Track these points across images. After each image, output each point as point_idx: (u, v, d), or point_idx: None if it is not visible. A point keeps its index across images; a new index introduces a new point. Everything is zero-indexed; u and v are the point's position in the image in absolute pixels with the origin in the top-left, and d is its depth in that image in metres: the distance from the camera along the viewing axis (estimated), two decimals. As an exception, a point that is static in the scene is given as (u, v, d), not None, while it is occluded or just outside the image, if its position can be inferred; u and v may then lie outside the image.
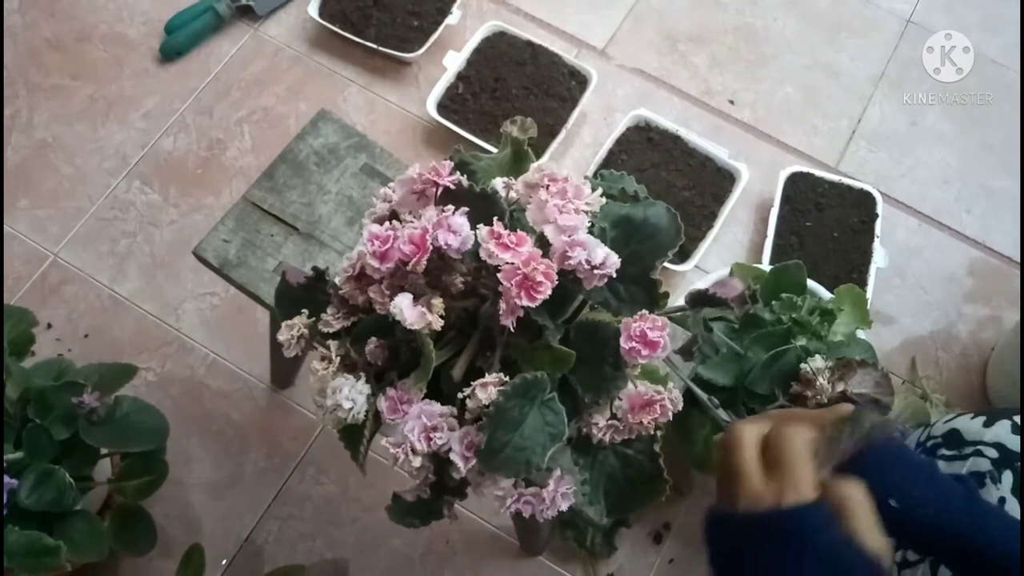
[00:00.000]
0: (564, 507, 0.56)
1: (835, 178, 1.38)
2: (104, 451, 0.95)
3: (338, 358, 0.57)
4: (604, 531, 1.13)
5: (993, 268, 1.39)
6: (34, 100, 1.39)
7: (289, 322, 0.61)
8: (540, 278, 0.50)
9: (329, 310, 0.59)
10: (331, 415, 0.56)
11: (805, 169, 1.38)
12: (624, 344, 0.52)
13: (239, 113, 1.41)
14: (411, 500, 0.60)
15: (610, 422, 0.56)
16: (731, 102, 1.50)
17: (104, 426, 0.91)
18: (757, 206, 1.39)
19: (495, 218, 0.54)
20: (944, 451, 0.71)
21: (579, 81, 1.40)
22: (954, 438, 0.72)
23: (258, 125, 1.40)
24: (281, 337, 0.61)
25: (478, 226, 0.53)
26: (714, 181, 1.34)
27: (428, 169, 0.57)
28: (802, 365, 0.89)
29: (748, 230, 1.38)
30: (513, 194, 0.59)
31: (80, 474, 0.90)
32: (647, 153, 1.35)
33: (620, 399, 0.57)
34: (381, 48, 1.41)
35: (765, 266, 1.21)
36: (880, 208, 1.35)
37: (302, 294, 0.62)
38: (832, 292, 1.10)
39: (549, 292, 0.50)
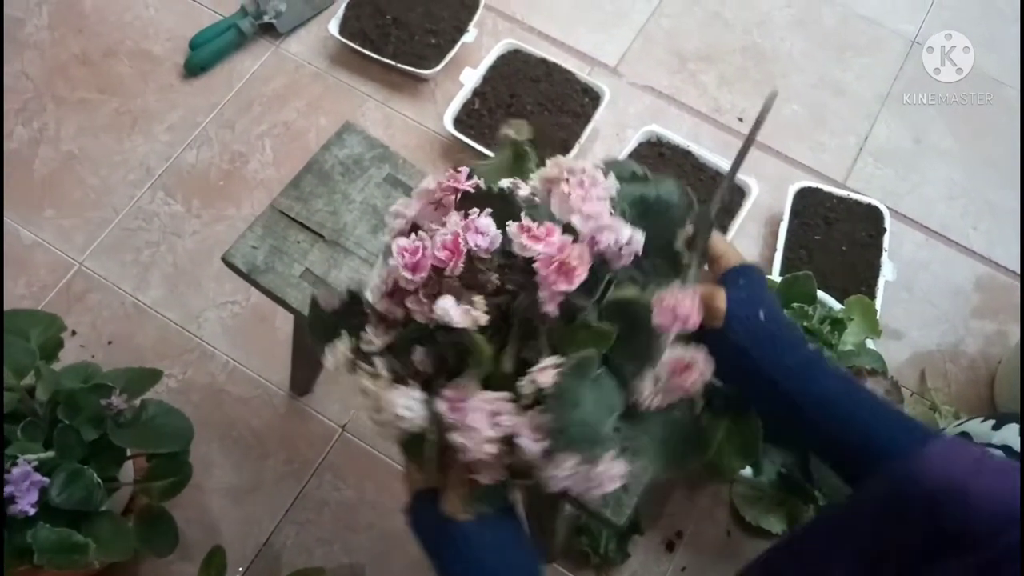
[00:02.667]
0: (618, 484, 0.57)
1: (843, 193, 1.40)
2: (129, 453, 0.98)
3: (388, 373, 0.58)
4: (617, 538, 1.14)
5: (999, 283, 1.41)
6: (62, 113, 1.43)
7: (332, 345, 0.61)
8: (575, 263, 0.53)
9: (369, 329, 0.60)
10: (391, 428, 0.57)
11: (813, 184, 1.41)
12: (657, 318, 0.56)
13: (260, 127, 1.44)
14: (487, 483, 0.60)
15: (656, 387, 0.59)
16: (740, 119, 1.53)
17: (131, 428, 0.93)
18: (767, 220, 1.42)
19: (520, 215, 0.57)
20: None
21: (592, 98, 1.44)
22: (964, 439, 0.74)
23: (279, 139, 1.43)
24: (328, 364, 0.61)
25: (508, 223, 0.56)
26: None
27: (447, 177, 0.59)
28: (814, 372, 0.91)
29: (758, 244, 1.40)
30: (523, 192, 0.61)
31: (107, 475, 0.92)
32: (659, 168, 1.38)
33: (659, 368, 0.59)
34: (399, 65, 1.45)
35: (775, 278, 1.23)
36: (888, 222, 1.38)
37: (336, 318, 0.63)
38: (842, 304, 1.12)
39: (585, 275, 0.53)
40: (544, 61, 1.47)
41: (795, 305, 0.98)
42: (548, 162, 0.60)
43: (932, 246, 1.44)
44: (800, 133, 1.53)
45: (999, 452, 0.71)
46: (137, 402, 0.95)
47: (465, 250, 0.55)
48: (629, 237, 0.56)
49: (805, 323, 0.97)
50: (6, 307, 1.02)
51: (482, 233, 0.56)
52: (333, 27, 1.48)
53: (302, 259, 0.89)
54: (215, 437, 1.19)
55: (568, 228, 0.57)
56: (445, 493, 0.60)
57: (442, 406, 0.56)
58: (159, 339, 1.26)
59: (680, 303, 0.56)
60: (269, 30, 1.52)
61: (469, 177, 0.60)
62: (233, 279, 0.93)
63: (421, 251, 0.56)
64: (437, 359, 0.59)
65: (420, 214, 0.61)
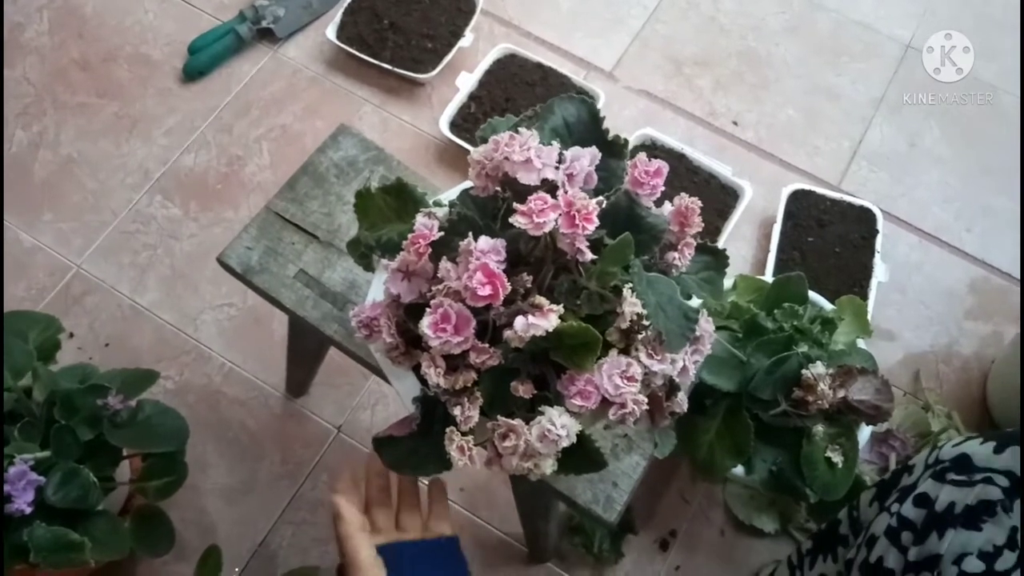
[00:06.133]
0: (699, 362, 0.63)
1: (836, 195, 1.41)
2: (125, 453, 0.98)
3: (517, 421, 0.57)
4: (611, 537, 1.15)
5: (993, 285, 1.42)
6: (61, 117, 1.44)
7: (450, 444, 0.59)
8: (583, 202, 0.56)
9: (456, 410, 0.59)
10: (552, 457, 0.58)
11: (807, 187, 1.42)
12: (635, 189, 0.62)
13: (258, 131, 1.45)
14: (666, 423, 0.64)
15: (679, 247, 0.64)
16: (735, 123, 1.55)
17: (127, 428, 0.94)
18: (760, 222, 1.43)
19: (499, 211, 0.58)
20: (953, 475, 0.70)
21: (587, 101, 1.45)
22: (963, 463, 0.71)
23: (276, 142, 1.45)
24: (459, 460, 0.58)
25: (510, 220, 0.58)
26: (718, 198, 1.38)
27: (411, 242, 0.60)
28: (804, 371, 0.92)
29: (751, 245, 1.41)
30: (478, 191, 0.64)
31: (103, 474, 0.93)
32: (653, 171, 1.39)
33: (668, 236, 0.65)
34: (396, 69, 1.46)
35: (768, 279, 1.24)
36: (881, 224, 1.39)
37: (424, 430, 0.63)
38: (833, 304, 1.13)
39: (598, 211, 0.57)
40: (540, 65, 1.48)
41: (786, 305, 0.99)
42: (468, 158, 0.63)
43: (925, 248, 1.44)
44: (795, 137, 1.54)
45: (1003, 479, 0.69)
46: (133, 402, 0.96)
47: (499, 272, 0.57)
48: (590, 155, 0.61)
49: (795, 323, 0.97)
50: (6, 309, 1.03)
51: (492, 251, 0.58)
52: (331, 32, 1.49)
53: (296, 260, 0.90)
54: (211, 438, 1.20)
55: (542, 185, 0.59)
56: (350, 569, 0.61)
57: (576, 403, 0.57)
58: (156, 341, 1.27)
59: (647, 168, 0.62)
60: (267, 35, 1.54)
61: (432, 225, 0.61)
62: (230, 281, 0.94)
63: (453, 314, 0.56)
64: (536, 378, 0.60)
65: (410, 289, 0.61)
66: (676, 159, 1.41)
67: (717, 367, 0.99)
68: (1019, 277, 1.43)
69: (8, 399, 0.91)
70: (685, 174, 1.40)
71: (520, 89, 1.44)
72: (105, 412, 0.92)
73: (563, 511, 1.13)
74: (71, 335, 1.25)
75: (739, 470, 1.08)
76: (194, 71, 1.48)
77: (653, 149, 1.42)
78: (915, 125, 1.57)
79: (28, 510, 0.82)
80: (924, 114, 1.58)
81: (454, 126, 1.41)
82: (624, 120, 1.51)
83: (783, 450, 1.05)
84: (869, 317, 1.29)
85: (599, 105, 1.43)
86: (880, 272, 1.34)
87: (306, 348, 1.09)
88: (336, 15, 1.51)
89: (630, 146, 1.41)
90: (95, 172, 1.40)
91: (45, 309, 1.27)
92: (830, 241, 1.36)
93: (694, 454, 1.05)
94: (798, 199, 1.40)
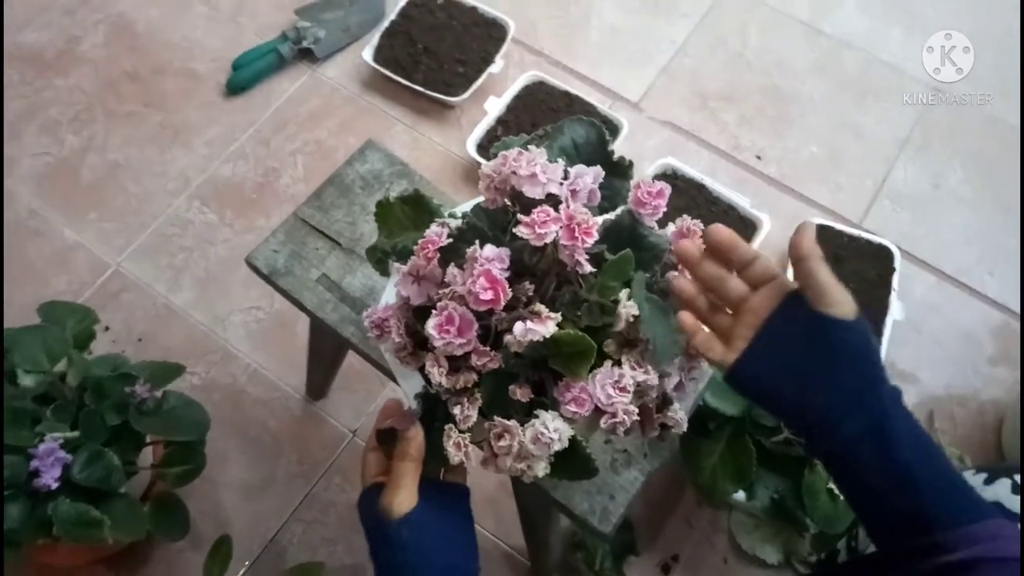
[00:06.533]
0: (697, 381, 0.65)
1: (854, 232, 1.43)
2: (148, 440, 1.03)
3: (513, 422, 0.60)
4: (613, 556, 1.16)
5: (1013, 330, 1.42)
6: (110, 125, 1.52)
7: (450, 439, 0.61)
8: (584, 217, 0.59)
9: (457, 409, 0.62)
10: (545, 459, 0.60)
11: (825, 222, 1.43)
12: (638, 209, 0.64)
13: (293, 145, 1.52)
14: (655, 435, 0.66)
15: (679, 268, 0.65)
16: (758, 157, 1.57)
17: (152, 416, 0.99)
18: (777, 255, 1.45)
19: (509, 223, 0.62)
20: None
21: (611, 129, 1.49)
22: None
23: (310, 156, 1.51)
24: (455, 457, 0.61)
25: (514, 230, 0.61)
26: (736, 228, 1.39)
27: (421, 247, 0.63)
28: (806, 398, 0.93)
29: (768, 277, 1.43)
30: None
31: (126, 458, 0.98)
32: (672, 199, 1.41)
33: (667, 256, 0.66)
34: (428, 91, 1.52)
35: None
36: (898, 262, 1.40)
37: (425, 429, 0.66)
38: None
39: (598, 227, 0.60)
40: (566, 93, 1.52)
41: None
42: (480, 172, 0.66)
43: (944, 289, 1.45)
44: (818, 173, 1.56)
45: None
46: (159, 393, 1.01)
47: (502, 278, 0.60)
48: (593, 173, 0.64)
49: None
50: (47, 300, 1.09)
51: (496, 259, 0.61)
52: (367, 54, 1.56)
53: (319, 264, 0.95)
54: (232, 435, 1.24)
55: (548, 199, 0.63)
56: (390, 487, 0.61)
57: (570, 408, 0.60)
58: (186, 339, 1.32)
59: (650, 189, 0.64)
60: (307, 55, 1.61)
61: (441, 233, 0.65)
62: (259, 286, 0.98)
63: (457, 317, 0.60)
64: (534, 383, 0.63)
65: (420, 293, 0.65)
66: (696, 189, 1.44)
67: (721, 392, 1.01)
68: (1019, 310, 1.42)
69: (43, 382, 0.96)
70: (704, 204, 1.43)
71: (546, 115, 1.49)
72: (132, 400, 0.97)
73: (567, 526, 1.15)
74: (107, 328, 1.31)
75: (741, 495, 1.09)
76: (236, 86, 1.55)
77: (673, 178, 1.46)
78: (939, 166, 1.58)
79: (54, 486, 0.87)
80: (948, 155, 1.59)
81: (481, 148, 1.46)
82: (647, 149, 1.55)
83: (785, 478, 1.06)
84: (883, 355, 1.31)
85: (622, 134, 1.47)
86: (896, 310, 1.34)
87: (325, 351, 1.13)
88: (373, 38, 1.58)
89: (650, 174, 1.45)
90: (139, 177, 1.47)
91: (84, 303, 1.33)
92: (846, 277, 1.37)
93: (697, 476, 1.07)
94: (816, 234, 1.41)
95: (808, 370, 0.54)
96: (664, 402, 0.68)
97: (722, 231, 0.58)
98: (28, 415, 0.93)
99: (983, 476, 0.73)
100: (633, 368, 0.61)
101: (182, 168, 1.49)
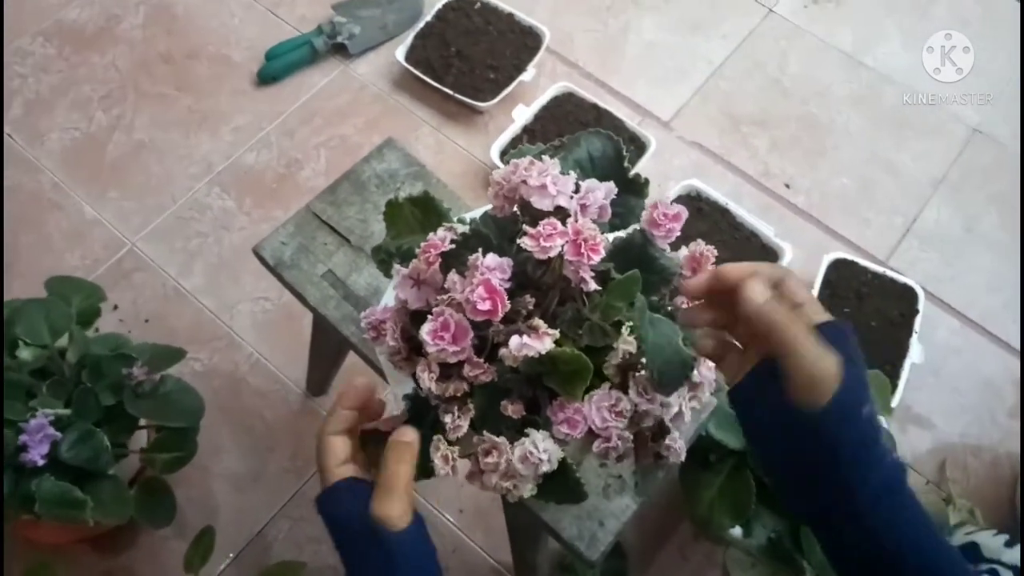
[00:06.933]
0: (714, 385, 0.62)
1: (879, 269, 1.39)
2: (142, 423, 1.02)
3: (502, 439, 0.58)
4: (601, 581, 1.13)
5: (1037, 383, 1.37)
6: (140, 104, 1.53)
7: (435, 451, 0.59)
8: (592, 233, 0.57)
9: (447, 418, 0.60)
10: (532, 480, 0.58)
11: (850, 257, 1.40)
12: (651, 230, 0.62)
13: (319, 138, 1.51)
14: (648, 463, 0.64)
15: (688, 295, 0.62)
16: (787, 186, 1.54)
17: (147, 399, 0.98)
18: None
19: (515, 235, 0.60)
20: None
21: (637, 147, 1.47)
22: (971, 551, 0.69)
23: (334, 151, 1.50)
24: (441, 469, 0.58)
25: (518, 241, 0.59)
26: (757, 256, 1.37)
27: (423, 251, 0.61)
28: (812, 438, 0.90)
29: (786, 309, 1.39)
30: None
31: (117, 440, 0.97)
32: (694, 222, 1.40)
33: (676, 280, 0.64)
34: (457, 95, 1.51)
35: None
36: (921, 304, 1.36)
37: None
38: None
39: (603, 241, 0.57)
40: (596, 107, 1.50)
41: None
42: (489, 178, 0.64)
43: (967, 335, 1.40)
44: (846, 206, 1.52)
45: (1008, 574, 0.67)
46: (157, 376, 1.00)
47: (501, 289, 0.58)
48: (606, 189, 0.62)
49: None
50: (58, 274, 1.09)
51: (497, 268, 0.59)
52: (400, 53, 1.55)
53: (327, 260, 0.94)
54: (228, 424, 1.23)
55: (557, 212, 0.60)
56: (386, 493, 0.55)
57: (562, 430, 0.58)
58: (193, 323, 1.32)
59: (666, 211, 0.61)
60: (341, 50, 1.60)
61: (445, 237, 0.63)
62: (270, 276, 0.97)
63: (452, 323, 0.58)
64: (528, 400, 0.61)
65: (417, 297, 0.63)
66: (719, 213, 1.41)
67: (726, 423, 0.98)
68: (1020, 349, 1.37)
69: (41, 356, 0.96)
70: (727, 228, 1.40)
71: (573, 127, 1.47)
72: (128, 381, 0.97)
73: (556, 547, 1.12)
74: (115, 307, 1.32)
75: (738, 531, 1.06)
76: (268, 76, 1.55)
77: (697, 200, 1.43)
78: (973, 208, 1.54)
79: (40, 462, 0.87)
80: (984, 198, 1.54)
81: (504, 155, 1.45)
82: (673, 169, 1.52)
83: (784, 519, 1.03)
84: (899, 398, 1.27)
85: (650, 151, 1.45)
86: (915, 352, 1.30)
87: (327, 348, 1.12)
88: (407, 38, 1.57)
89: (673, 194, 1.42)
90: (162, 158, 1.48)
91: (96, 280, 1.33)
92: (867, 314, 1.34)
93: (694, 508, 1.03)
94: (839, 268, 1.38)
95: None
96: (661, 431, 0.66)
97: (694, 284, 0.56)
98: (23, 388, 0.93)
99: (1004, 538, 0.69)
100: (640, 395, 0.59)
101: (206, 153, 1.49)
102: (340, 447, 0.58)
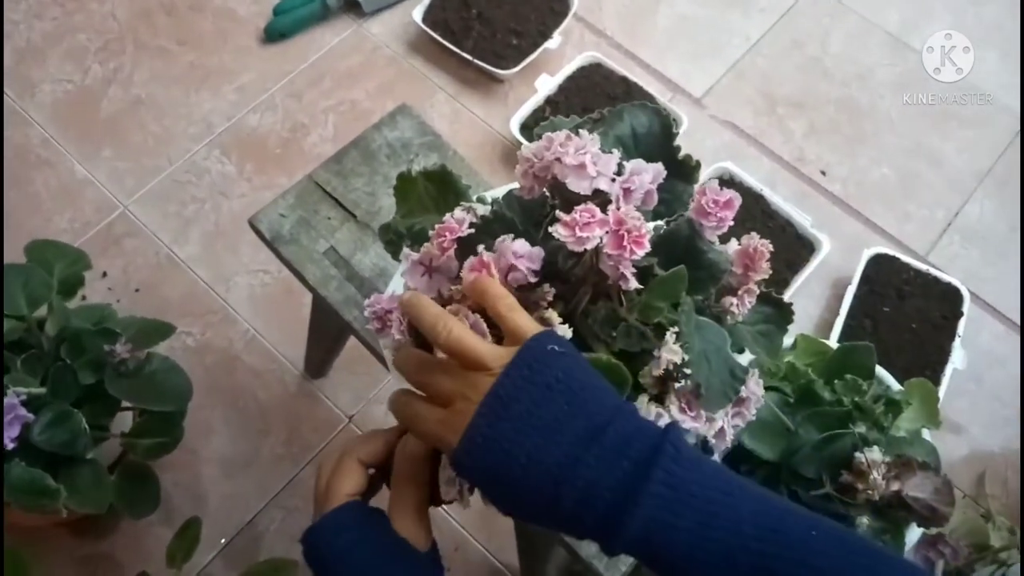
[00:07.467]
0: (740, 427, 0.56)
1: (922, 267, 1.30)
2: (125, 405, 0.95)
3: None
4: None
5: (1082, 394, 1.28)
6: (138, 57, 1.44)
7: (445, 470, 0.52)
8: (635, 223, 0.49)
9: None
10: None
11: (891, 252, 1.31)
12: (699, 219, 0.54)
13: (327, 102, 1.42)
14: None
15: (739, 293, 0.57)
16: (823, 173, 1.44)
17: (130, 379, 0.90)
18: (833, 282, 1.32)
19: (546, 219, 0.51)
20: None
21: (668, 124, 1.37)
22: None
23: (343, 116, 1.41)
24: (448, 494, 0.53)
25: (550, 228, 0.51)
26: (791, 248, 1.28)
27: (437, 234, 0.54)
28: (857, 454, 0.82)
29: (820, 305, 1.31)
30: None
31: (97, 422, 0.89)
32: (726, 208, 1.30)
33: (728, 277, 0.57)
34: (476, 61, 1.41)
35: (832, 344, 1.13)
36: (967, 307, 1.27)
37: None
38: (901, 385, 1.02)
39: (649, 235, 0.50)
40: (625, 80, 1.41)
41: (848, 377, 0.89)
42: (518, 154, 0.55)
43: (1012, 341, 1.31)
44: (886, 198, 1.43)
45: None
46: (142, 354, 0.92)
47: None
48: (654, 171, 0.53)
49: (857, 398, 0.88)
50: (45, 237, 1.01)
51: (523, 256, 0.51)
52: (417, 14, 1.45)
53: (329, 236, 0.85)
54: (220, 403, 1.16)
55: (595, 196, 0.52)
56: (405, 511, 0.48)
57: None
58: (186, 295, 1.24)
59: (716, 196, 0.54)
60: (354, 7, 1.50)
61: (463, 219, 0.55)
62: (268, 248, 0.89)
63: (468, 323, 0.50)
64: None
65: (431, 285, 0.55)
66: (753, 199, 1.32)
67: (760, 431, 0.90)
68: (1019, 349, 1.29)
69: (17, 328, 0.88)
70: (760, 217, 1.31)
71: (600, 100, 1.37)
72: (111, 359, 0.89)
73: (564, 558, 1.05)
74: (104, 274, 1.23)
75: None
76: (275, 33, 1.46)
77: (730, 184, 1.32)
78: (1019, 205, 1.44)
79: (10, 446, 0.79)
80: (1033, 196, 1.45)
81: (525, 128, 1.35)
82: (705, 150, 1.43)
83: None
84: (939, 406, 1.18)
85: (681, 130, 1.35)
86: (958, 358, 1.22)
87: (327, 329, 1.04)
88: (426, -3, 1.47)
89: (705, 178, 1.33)
90: (160, 117, 1.39)
91: (84, 244, 1.25)
92: (908, 315, 1.25)
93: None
94: (879, 264, 1.29)
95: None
96: (703, 450, 0.58)
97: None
98: (-5, 362, 0.85)
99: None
100: (682, 411, 0.51)
101: (206, 112, 1.40)
102: (359, 477, 0.49)
